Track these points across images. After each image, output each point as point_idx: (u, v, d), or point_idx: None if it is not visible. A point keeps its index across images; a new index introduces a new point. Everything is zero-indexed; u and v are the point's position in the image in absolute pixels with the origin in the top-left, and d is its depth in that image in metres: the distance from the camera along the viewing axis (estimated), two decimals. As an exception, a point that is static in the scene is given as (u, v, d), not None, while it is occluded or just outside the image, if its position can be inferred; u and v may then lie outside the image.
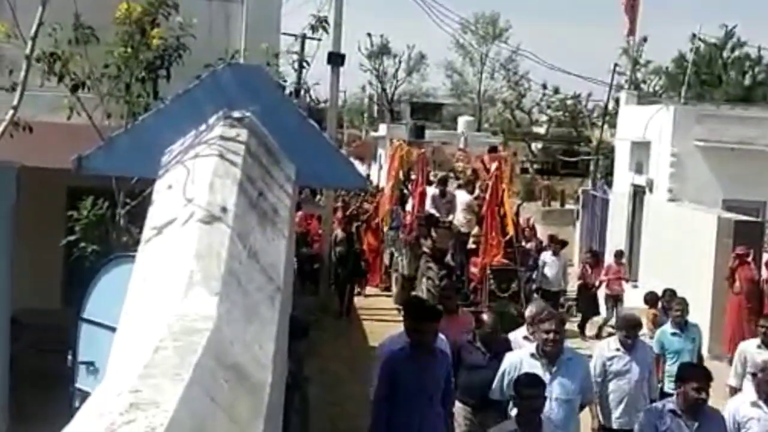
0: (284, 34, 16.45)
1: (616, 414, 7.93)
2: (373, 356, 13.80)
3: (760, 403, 6.63)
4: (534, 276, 16.73)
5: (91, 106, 6.55)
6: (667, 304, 10.74)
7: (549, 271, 16.32)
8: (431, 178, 18.00)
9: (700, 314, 14.84)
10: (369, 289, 19.39)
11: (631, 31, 22.19)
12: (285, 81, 9.82)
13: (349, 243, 18.29)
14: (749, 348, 8.86)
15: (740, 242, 14.28)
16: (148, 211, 4.33)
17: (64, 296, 10.44)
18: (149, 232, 4.11)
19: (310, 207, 20.20)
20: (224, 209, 3.98)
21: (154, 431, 2.21)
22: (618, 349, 8.02)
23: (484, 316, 8.05)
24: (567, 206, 32.12)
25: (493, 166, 16.04)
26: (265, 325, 3.48)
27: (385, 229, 18.84)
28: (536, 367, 6.53)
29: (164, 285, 3.49)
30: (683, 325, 9.62)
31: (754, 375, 6.90)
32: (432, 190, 17.27)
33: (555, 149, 40.38)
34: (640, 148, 19.11)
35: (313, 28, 7.94)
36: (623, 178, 20.39)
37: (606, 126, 26.70)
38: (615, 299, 16.11)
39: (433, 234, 16.26)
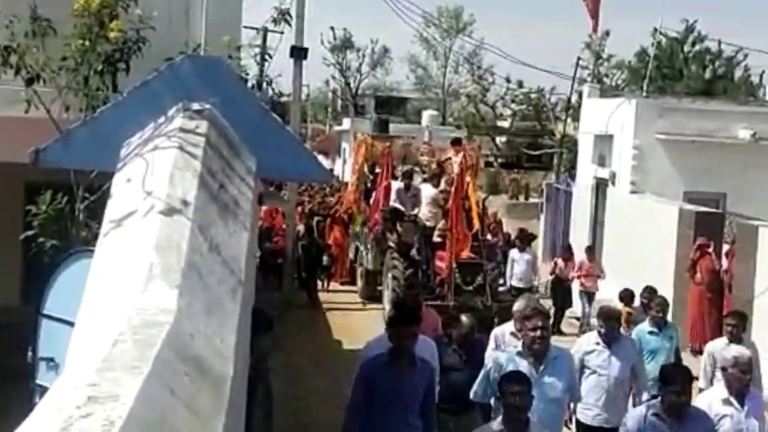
0: (246, 27, 16.30)
1: (594, 411, 7.68)
2: (337, 350, 13.92)
3: (732, 399, 6.52)
4: (501, 270, 16.63)
5: (49, 100, 6.46)
6: (647, 302, 10.50)
7: (518, 268, 16.11)
8: (396, 172, 17.92)
9: (662, 305, 15.06)
10: (334, 285, 19.33)
11: (594, 28, 22.29)
12: (247, 74, 9.77)
13: (310, 236, 18.43)
14: (717, 347, 8.71)
15: (701, 233, 14.46)
16: (107, 205, 4.29)
17: (23, 292, 10.30)
18: (108, 226, 4.07)
19: (274, 201, 20.12)
20: (184, 202, 3.94)
21: (113, 424, 2.19)
22: (598, 343, 7.77)
23: (462, 317, 7.83)
24: (531, 199, 32.35)
25: (457, 159, 15.98)
26: (226, 318, 3.46)
27: (357, 227, 18.66)
28: (523, 366, 6.25)
29: (123, 278, 3.46)
30: (662, 325, 9.40)
31: (724, 369, 6.74)
32: (397, 184, 17.17)
33: (519, 143, 40.57)
34: (603, 141, 19.26)
35: (276, 21, 7.89)
36: (586, 171, 20.54)
37: (569, 120, 26.88)
38: (589, 295, 16.01)
39: (399, 228, 16.17)
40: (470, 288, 14.80)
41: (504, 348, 7.39)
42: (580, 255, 16.80)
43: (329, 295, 18.59)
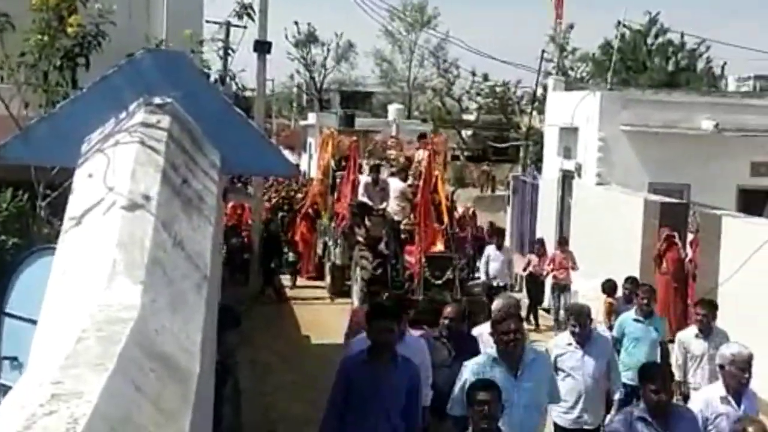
0: (208, 21, 16.18)
1: (573, 414, 7.45)
2: (306, 345, 13.91)
3: (729, 398, 6.33)
4: (473, 265, 16.69)
5: (8, 96, 6.36)
6: (629, 293, 10.50)
7: (493, 266, 15.70)
8: (364, 166, 17.97)
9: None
10: (302, 281, 19.23)
11: (559, 16, 22.36)
12: (210, 69, 9.70)
13: (267, 230, 18.31)
14: (688, 337, 8.74)
15: (666, 223, 14.64)
16: (68, 201, 4.23)
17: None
18: (69, 222, 4.02)
19: (239, 196, 20.00)
20: (147, 197, 3.90)
21: (77, 422, 2.17)
22: (570, 344, 7.54)
23: (448, 307, 7.53)
24: (498, 192, 32.49)
25: (422, 153, 15.97)
26: (192, 314, 3.43)
27: (325, 221, 18.60)
28: (498, 373, 5.90)
29: (86, 275, 3.43)
30: (648, 314, 9.28)
31: (721, 367, 6.45)
32: (364, 178, 17.16)
33: (485, 136, 40.79)
34: (569, 133, 19.39)
35: (239, 15, 7.83)
36: (552, 163, 20.67)
37: (535, 112, 27.03)
38: (561, 288, 15.77)
39: (367, 222, 16.15)
40: (439, 282, 14.77)
41: (484, 349, 7.00)
42: (550, 248, 16.93)
43: (297, 291, 18.51)
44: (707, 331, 8.61)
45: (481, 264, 16.16)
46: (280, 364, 12.48)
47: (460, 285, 14.82)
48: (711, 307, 8.86)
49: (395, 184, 16.89)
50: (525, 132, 29.10)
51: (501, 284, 15.40)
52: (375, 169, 17.29)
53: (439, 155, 17.04)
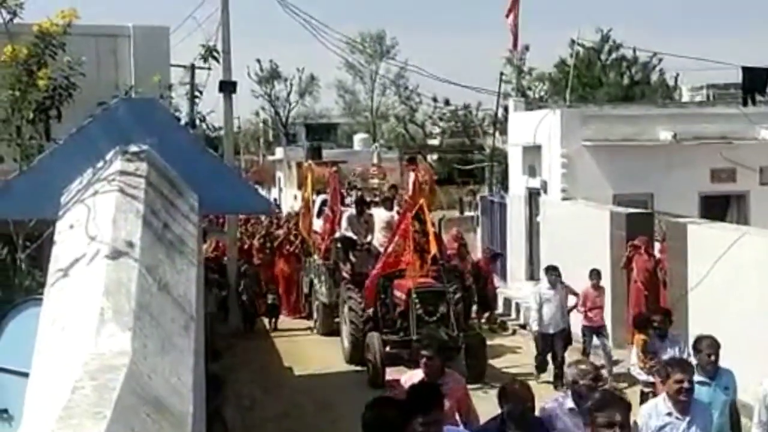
0: (173, 65, 16.32)
1: None
2: (288, 377, 13.93)
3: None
4: (472, 296, 15.85)
5: (-18, 151, 6.45)
6: (659, 324, 9.39)
7: (548, 309, 13.24)
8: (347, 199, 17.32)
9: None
10: (289, 321, 18.63)
11: (515, 44, 22.70)
12: (179, 112, 9.84)
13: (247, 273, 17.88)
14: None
15: (633, 233, 14.88)
16: (52, 253, 4.28)
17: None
18: (55, 274, 4.06)
19: (215, 234, 19.94)
20: (130, 243, 3.98)
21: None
22: (670, 414, 6.10)
23: (513, 386, 5.80)
24: (466, 213, 32.69)
25: (411, 177, 14.77)
26: (181, 356, 3.51)
27: (314, 257, 17.60)
28: None
29: (75, 324, 3.48)
30: (714, 372, 7.05)
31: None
32: (348, 211, 16.40)
33: (450, 159, 41.09)
34: (532, 152, 19.65)
35: (204, 58, 7.99)
36: (518, 181, 20.92)
37: (497, 133, 27.36)
38: (595, 331, 13.62)
39: (352, 258, 15.38)
40: (433, 319, 13.33)
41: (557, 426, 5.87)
42: (521, 271, 17.09)
43: (282, 323, 18.23)
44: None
45: (531, 308, 13.80)
46: (264, 396, 12.53)
47: (457, 320, 13.58)
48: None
49: (380, 215, 16.07)
50: (489, 153, 29.43)
51: (553, 332, 13.17)
52: (359, 202, 16.49)
53: (425, 183, 15.44)
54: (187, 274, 4.24)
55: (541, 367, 13.58)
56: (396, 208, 16.17)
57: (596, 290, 13.65)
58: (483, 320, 17.38)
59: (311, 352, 15.50)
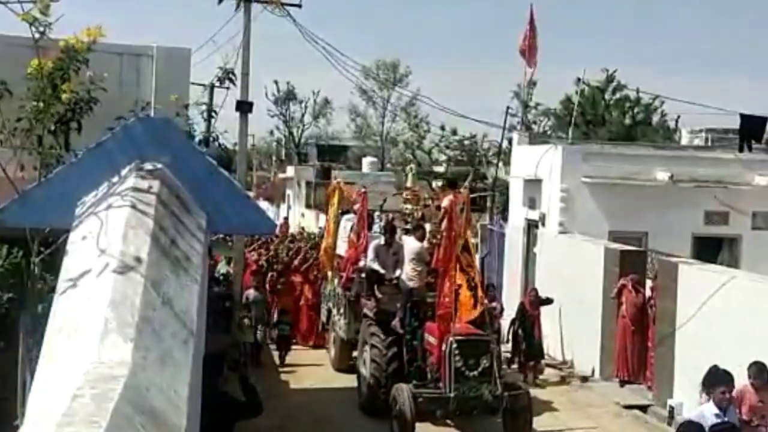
0: (193, 83, 16.66)
1: None
2: (285, 391, 13.97)
3: None
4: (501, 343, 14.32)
5: (5, 159, 6.74)
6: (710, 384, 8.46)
7: None
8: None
9: (591, 337, 15.72)
10: (302, 350, 18.07)
11: (531, 64, 22.57)
12: (194, 130, 10.15)
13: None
14: None
15: (626, 270, 15.18)
16: (63, 262, 4.43)
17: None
18: (65, 284, 4.19)
19: (221, 250, 20.06)
20: (138, 259, 4.12)
21: (74, 478, 2.38)
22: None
23: None
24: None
25: (445, 201, 13.00)
26: (179, 369, 3.64)
27: (330, 286, 16.55)
28: None
29: (80, 333, 3.61)
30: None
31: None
32: (376, 240, 14.67)
33: (457, 187, 41.23)
34: (533, 184, 19.98)
35: (221, 80, 8.27)
36: (518, 212, 21.23)
37: (501, 164, 27.71)
38: None
39: (378, 293, 13.76)
40: (474, 373, 11.48)
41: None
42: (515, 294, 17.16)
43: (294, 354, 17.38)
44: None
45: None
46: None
47: (500, 376, 11.74)
48: None
49: (410, 245, 13.72)
50: (492, 183, 29.72)
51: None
52: (389, 230, 14.51)
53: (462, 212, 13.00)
54: (190, 290, 4.35)
55: None
56: (427, 237, 14.17)
57: (759, 393, 9.26)
58: (529, 373, 15.75)
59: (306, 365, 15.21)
